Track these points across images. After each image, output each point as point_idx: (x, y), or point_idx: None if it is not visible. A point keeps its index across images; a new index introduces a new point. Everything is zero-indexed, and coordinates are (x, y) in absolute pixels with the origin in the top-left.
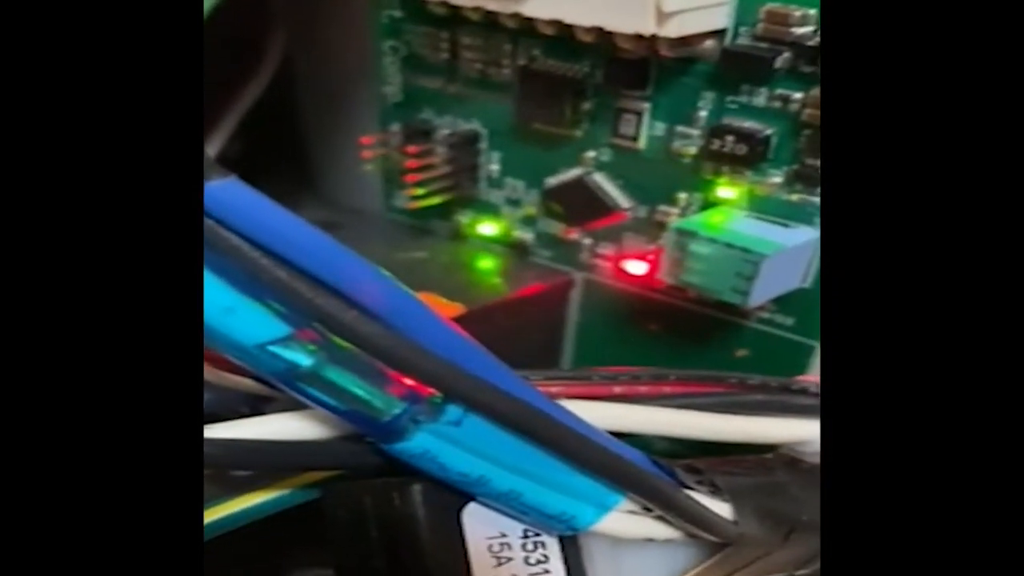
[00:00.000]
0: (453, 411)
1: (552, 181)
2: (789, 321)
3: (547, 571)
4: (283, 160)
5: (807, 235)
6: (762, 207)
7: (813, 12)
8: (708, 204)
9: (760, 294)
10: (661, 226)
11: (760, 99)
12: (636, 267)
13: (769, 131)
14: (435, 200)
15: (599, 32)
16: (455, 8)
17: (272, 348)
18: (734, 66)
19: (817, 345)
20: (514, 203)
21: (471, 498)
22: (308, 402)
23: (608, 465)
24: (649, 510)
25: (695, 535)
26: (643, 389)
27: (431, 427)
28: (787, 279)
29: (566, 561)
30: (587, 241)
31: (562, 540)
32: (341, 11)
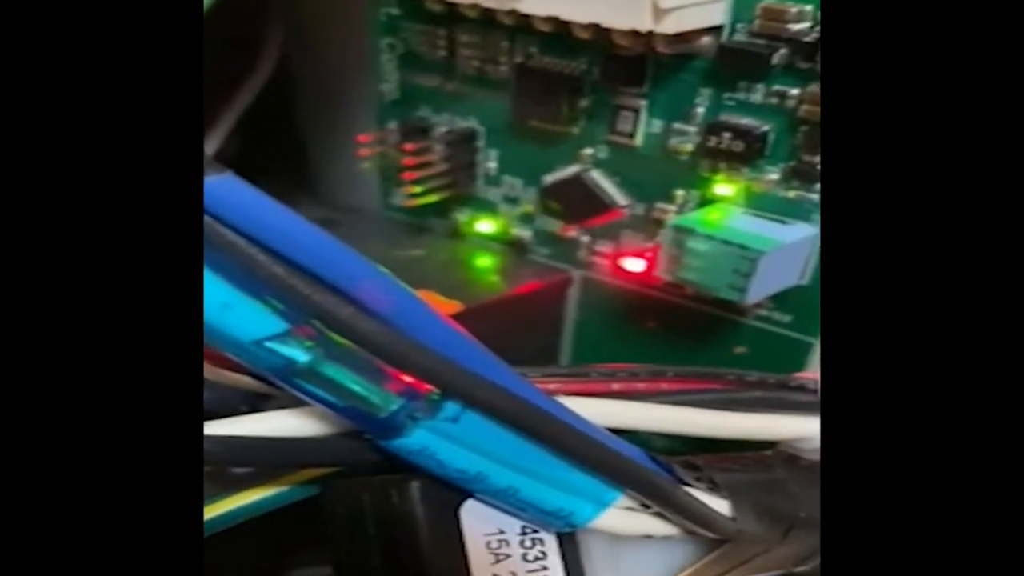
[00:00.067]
0: (451, 407)
1: (549, 179)
2: (787, 318)
3: (545, 568)
4: (280, 158)
5: (804, 232)
6: (759, 204)
7: (809, 8)
8: (705, 201)
9: (758, 291)
10: (659, 223)
11: (757, 96)
12: (634, 264)
13: (766, 127)
14: (433, 198)
15: (596, 29)
16: (452, 5)
17: (269, 344)
18: (731, 63)
19: (814, 342)
20: (512, 201)
21: (469, 495)
22: (306, 398)
23: (606, 461)
24: (647, 507)
25: (693, 532)
26: (641, 386)
27: (429, 423)
28: (784, 276)
29: (564, 558)
30: (585, 238)
31: (560, 537)
32: (338, 9)
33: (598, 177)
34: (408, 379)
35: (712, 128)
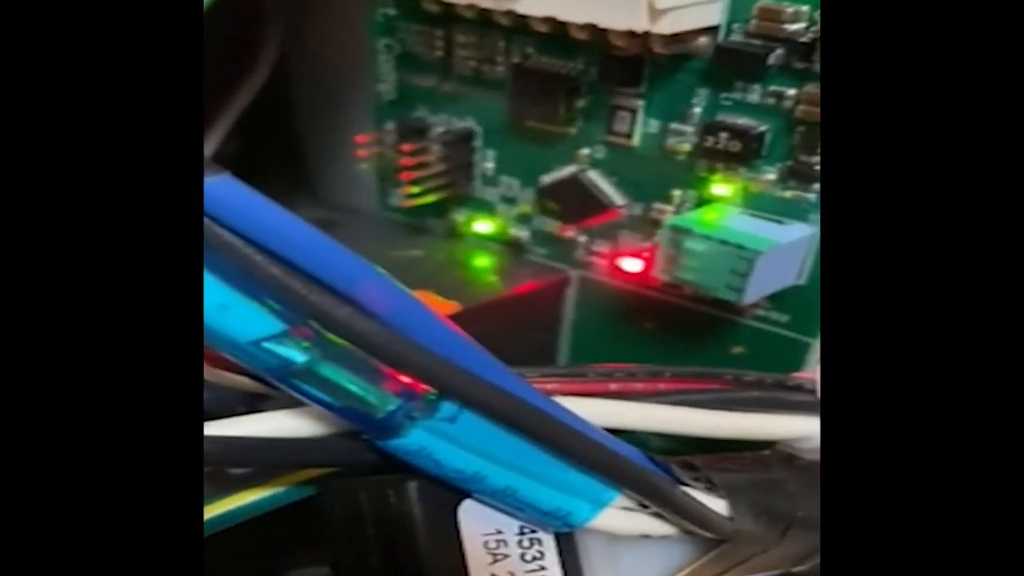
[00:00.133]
0: (448, 408)
1: (547, 179)
2: (784, 318)
3: (543, 567)
4: (278, 159)
5: (802, 232)
6: (756, 204)
7: (806, 8)
8: (703, 201)
9: (755, 291)
10: (656, 223)
11: (754, 96)
12: (631, 264)
13: (763, 128)
14: (430, 198)
15: (593, 29)
16: (449, 6)
17: (267, 344)
18: (728, 63)
19: (812, 342)
20: (509, 201)
21: (467, 495)
22: (303, 399)
23: (604, 461)
24: (645, 507)
25: (691, 532)
26: (639, 386)
27: (426, 424)
28: (782, 276)
29: (562, 557)
30: (582, 239)
31: (558, 537)
32: (335, 9)
33: (595, 177)
34: (405, 379)
35: (709, 128)
